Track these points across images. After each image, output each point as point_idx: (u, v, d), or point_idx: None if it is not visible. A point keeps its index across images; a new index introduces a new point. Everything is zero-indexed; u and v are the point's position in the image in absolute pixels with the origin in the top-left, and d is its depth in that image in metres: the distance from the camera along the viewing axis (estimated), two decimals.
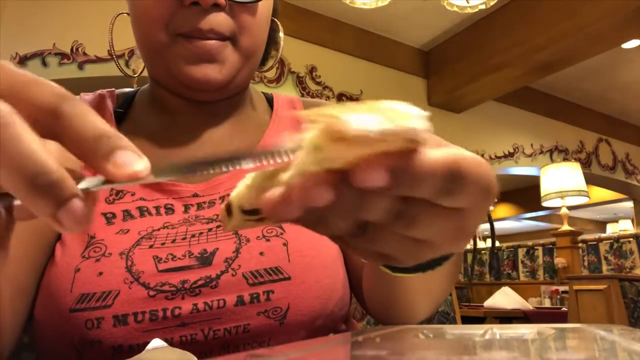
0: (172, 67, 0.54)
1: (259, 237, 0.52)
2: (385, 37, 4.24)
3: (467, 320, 3.16)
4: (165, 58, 0.55)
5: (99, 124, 0.23)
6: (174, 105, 0.61)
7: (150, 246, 0.50)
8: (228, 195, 0.55)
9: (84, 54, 3.01)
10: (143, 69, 0.64)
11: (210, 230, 0.52)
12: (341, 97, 3.98)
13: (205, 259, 0.49)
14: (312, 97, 3.79)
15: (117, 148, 0.22)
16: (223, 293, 0.48)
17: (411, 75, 4.38)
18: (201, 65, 0.53)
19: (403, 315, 0.54)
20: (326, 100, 3.85)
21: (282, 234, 0.53)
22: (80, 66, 3.00)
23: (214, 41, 0.53)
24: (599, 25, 3.20)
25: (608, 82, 5.04)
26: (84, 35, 3.01)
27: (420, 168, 0.21)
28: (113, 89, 0.68)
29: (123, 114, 0.63)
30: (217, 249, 0.50)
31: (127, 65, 2.96)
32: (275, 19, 0.66)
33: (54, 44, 2.96)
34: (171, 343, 0.47)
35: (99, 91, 0.66)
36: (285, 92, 3.66)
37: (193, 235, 0.52)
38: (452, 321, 1.58)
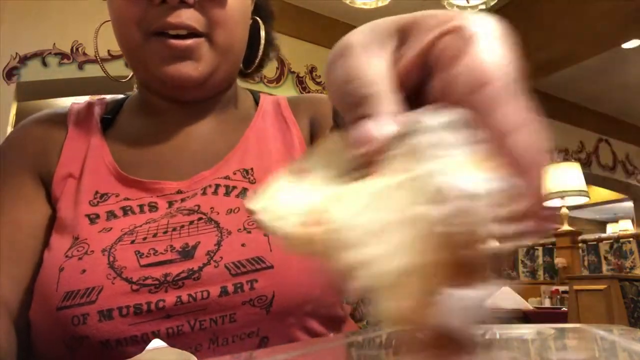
0: (148, 66, 0.55)
1: (240, 229, 0.52)
2: None
3: None
4: (141, 57, 0.55)
5: None
6: (158, 106, 0.62)
7: (132, 241, 0.51)
8: (210, 186, 0.56)
9: (84, 54, 3.01)
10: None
11: (191, 222, 0.52)
12: None
13: (187, 253, 0.50)
14: None
15: None
16: (206, 285, 0.48)
17: None
18: (176, 63, 0.54)
19: None
20: None
21: None
22: (80, 66, 3.00)
23: (189, 41, 0.53)
24: (599, 25, 3.20)
25: (608, 82, 5.04)
26: (84, 35, 3.01)
27: None
28: (104, 97, 0.69)
29: (111, 120, 0.64)
30: (199, 242, 0.50)
31: (127, 65, 2.95)
32: (257, 18, 0.65)
33: (54, 43, 2.96)
34: (158, 335, 0.47)
35: (89, 100, 0.67)
36: (285, 92, 3.67)
37: (174, 229, 0.52)
38: None
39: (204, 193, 0.55)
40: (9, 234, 0.54)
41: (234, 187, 0.56)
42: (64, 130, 0.61)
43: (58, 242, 0.52)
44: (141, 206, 0.55)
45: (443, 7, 2.63)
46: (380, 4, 2.58)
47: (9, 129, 2.86)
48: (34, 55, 2.91)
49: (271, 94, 0.73)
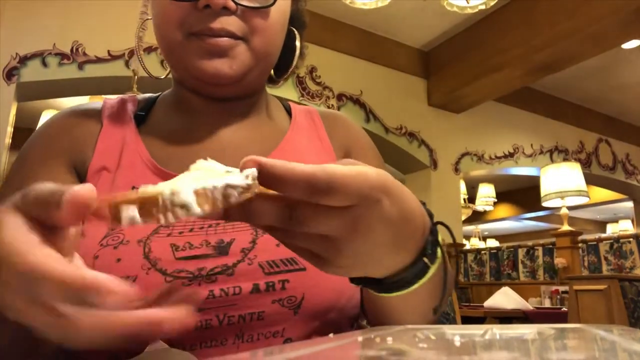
0: (186, 62, 0.57)
1: None
2: (385, 37, 4.24)
3: (467, 320, 3.15)
4: (180, 55, 0.57)
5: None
6: (193, 103, 0.64)
7: (168, 234, 0.52)
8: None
9: (84, 54, 3.01)
10: (161, 73, 0.66)
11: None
12: (341, 98, 3.98)
13: (222, 249, 0.51)
14: (312, 97, 3.80)
15: None
16: (239, 280, 0.50)
17: (411, 76, 4.38)
18: (212, 60, 0.56)
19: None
20: (326, 100, 3.85)
21: None
22: (80, 66, 3.00)
23: (225, 38, 0.55)
24: (599, 25, 3.20)
25: (608, 83, 5.04)
26: (84, 36, 3.01)
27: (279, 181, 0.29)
28: (135, 94, 0.71)
29: (144, 117, 0.65)
30: (234, 239, 0.52)
31: (127, 65, 2.95)
32: (293, 29, 0.67)
33: (54, 44, 2.96)
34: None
35: (121, 96, 0.69)
36: (285, 92, 3.67)
37: (210, 225, 0.53)
38: (452, 321, 1.58)
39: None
40: None
41: None
42: (99, 124, 0.63)
43: (91, 230, 0.53)
44: None
45: (442, 7, 2.63)
46: (380, 5, 2.58)
47: (9, 129, 2.86)
48: (34, 55, 2.91)
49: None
